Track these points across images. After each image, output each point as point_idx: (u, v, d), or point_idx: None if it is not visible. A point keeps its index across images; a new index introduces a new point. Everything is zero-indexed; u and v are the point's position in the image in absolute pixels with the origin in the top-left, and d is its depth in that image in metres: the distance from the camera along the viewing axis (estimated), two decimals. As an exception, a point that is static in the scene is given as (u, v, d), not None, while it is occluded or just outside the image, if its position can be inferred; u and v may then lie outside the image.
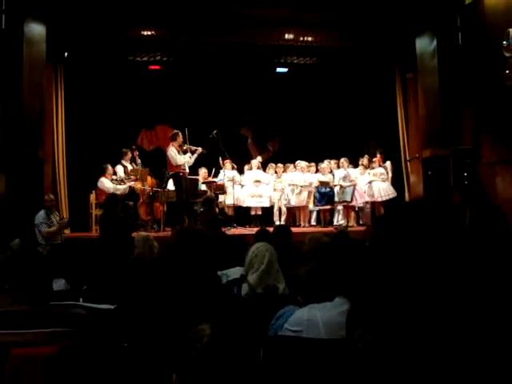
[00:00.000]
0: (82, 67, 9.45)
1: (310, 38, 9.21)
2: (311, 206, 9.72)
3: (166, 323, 1.76)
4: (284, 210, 9.80)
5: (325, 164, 9.77)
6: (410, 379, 0.82)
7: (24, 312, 1.96)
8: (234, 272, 3.15)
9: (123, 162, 8.90)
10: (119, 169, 8.79)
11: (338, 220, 9.64)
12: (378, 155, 9.76)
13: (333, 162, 9.98)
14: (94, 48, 9.13)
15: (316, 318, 1.82)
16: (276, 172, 9.95)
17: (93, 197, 8.77)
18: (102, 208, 7.83)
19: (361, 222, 9.78)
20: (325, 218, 9.72)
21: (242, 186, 9.91)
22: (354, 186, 9.40)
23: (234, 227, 8.79)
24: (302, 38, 9.21)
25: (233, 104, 10.99)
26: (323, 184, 9.47)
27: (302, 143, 11.10)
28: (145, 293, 2.09)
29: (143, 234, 4.28)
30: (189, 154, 8.31)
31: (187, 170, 8.27)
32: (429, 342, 0.80)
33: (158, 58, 9.95)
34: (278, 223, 9.37)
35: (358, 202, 9.53)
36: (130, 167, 8.89)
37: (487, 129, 7.02)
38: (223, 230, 7.28)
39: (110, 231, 5.65)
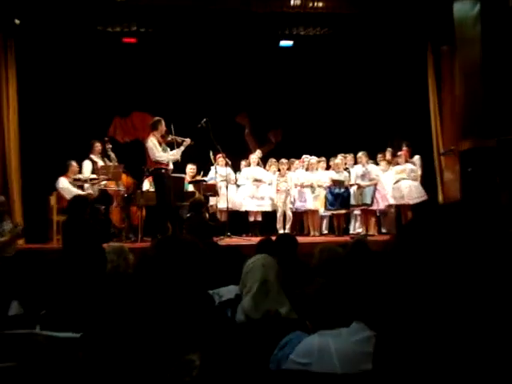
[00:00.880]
0: (38, 39, 9.43)
1: (320, 4, 9.24)
2: (322, 210, 9.73)
3: (145, 353, 1.75)
4: (289, 215, 9.81)
5: (338, 159, 9.78)
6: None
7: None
8: (228, 291, 3.15)
9: (93, 156, 8.89)
10: (87, 165, 8.77)
11: (355, 227, 9.64)
12: (405, 148, 9.77)
13: (349, 156, 9.98)
14: (53, 15, 9.06)
15: (329, 347, 1.81)
16: (279, 169, 9.97)
17: (54, 200, 8.71)
18: (66, 213, 7.81)
19: (383, 230, 9.79)
20: (339, 225, 9.72)
21: (238, 186, 9.91)
22: (375, 185, 9.41)
23: (228, 236, 8.79)
24: (310, 4, 9.23)
25: (226, 86, 10.99)
26: (337, 184, 9.48)
27: (310, 133, 11.10)
28: (118, 317, 2.08)
29: (116, 244, 4.28)
30: (175, 151, 8.29)
31: (171, 167, 8.27)
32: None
33: (134, 28, 9.94)
34: (281, 231, 9.38)
35: (380, 205, 9.54)
36: (101, 163, 8.88)
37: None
38: (215, 239, 7.28)
39: (76, 242, 5.67)
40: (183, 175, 9.26)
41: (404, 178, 9.47)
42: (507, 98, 7.77)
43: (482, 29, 7.99)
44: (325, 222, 10.00)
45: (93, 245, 4.91)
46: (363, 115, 11.27)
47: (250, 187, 9.75)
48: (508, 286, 0.79)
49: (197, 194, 8.91)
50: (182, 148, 8.43)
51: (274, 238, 4.79)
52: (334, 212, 9.64)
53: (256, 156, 10.12)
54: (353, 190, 9.49)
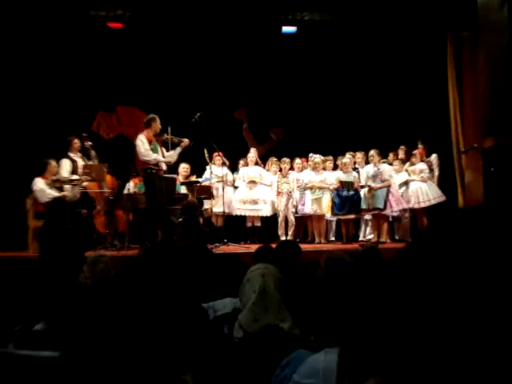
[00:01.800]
0: (13, 23, 9.42)
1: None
2: (329, 215, 9.73)
3: (132, 374, 1.75)
4: (292, 220, 9.81)
5: (347, 158, 9.78)
6: None
7: None
8: (224, 304, 3.14)
9: (71, 154, 8.88)
10: (65, 164, 8.75)
11: (366, 234, 9.64)
12: (420, 146, 9.78)
13: (358, 155, 9.99)
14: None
15: (335, 366, 1.80)
16: (281, 169, 9.97)
17: (30, 203, 8.72)
18: (43, 218, 7.81)
19: (396, 237, 9.79)
20: (347, 232, 9.71)
21: (236, 187, 9.91)
22: (388, 187, 9.39)
23: (225, 244, 8.79)
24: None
25: (223, 77, 11.01)
26: (345, 185, 9.48)
27: (315, 130, 11.12)
28: (103, 333, 2.08)
29: (97, 253, 4.28)
30: (171, 152, 8.30)
31: (163, 167, 8.27)
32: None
33: (120, 12, 9.94)
34: (283, 238, 9.38)
35: (394, 209, 9.51)
36: (81, 162, 8.88)
37: None
38: (210, 247, 7.28)
39: (54, 250, 5.65)
40: (175, 176, 9.25)
41: (416, 180, 9.48)
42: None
43: (510, 12, 7.94)
44: (332, 228, 9.99)
45: (73, 254, 4.91)
46: (374, 110, 11.28)
47: (244, 189, 9.76)
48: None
49: (190, 197, 8.90)
50: (179, 149, 8.44)
51: (274, 245, 4.78)
52: (342, 217, 9.61)
53: (253, 154, 10.10)
54: (363, 192, 9.46)
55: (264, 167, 10.09)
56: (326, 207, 9.64)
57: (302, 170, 10.09)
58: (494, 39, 8.25)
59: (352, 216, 9.55)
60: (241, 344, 2.63)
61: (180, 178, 9.42)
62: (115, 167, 9.34)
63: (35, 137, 9.81)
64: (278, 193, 9.78)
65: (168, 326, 1.88)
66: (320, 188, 9.60)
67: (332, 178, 9.68)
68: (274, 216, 9.93)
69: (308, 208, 9.64)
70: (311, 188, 9.65)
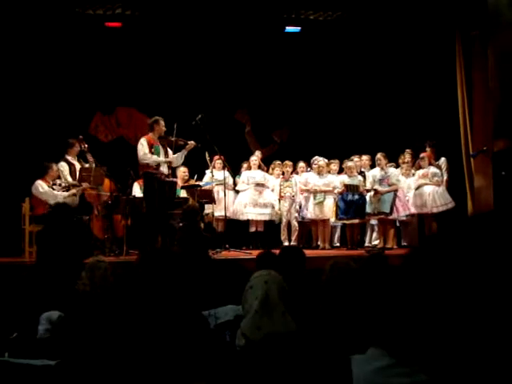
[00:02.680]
0: (9, 22, 9.43)
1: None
2: (333, 219, 9.71)
3: (131, 382, 1.75)
4: (295, 225, 9.80)
5: (352, 162, 9.78)
6: None
7: None
8: (226, 312, 3.14)
9: (69, 158, 8.89)
10: (63, 168, 8.77)
11: (372, 239, 9.62)
12: (429, 149, 9.76)
13: (364, 158, 9.99)
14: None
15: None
16: (283, 173, 9.97)
17: (26, 207, 8.73)
18: (41, 223, 7.81)
19: (403, 243, 9.77)
20: (352, 237, 9.70)
21: (238, 191, 9.90)
22: (395, 191, 9.37)
23: (226, 249, 8.79)
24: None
25: (225, 78, 11.01)
26: (350, 189, 9.46)
27: (319, 132, 11.11)
28: (100, 342, 2.08)
29: (96, 258, 4.27)
30: (176, 154, 8.31)
31: (165, 171, 8.27)
32: None
33: (119, 11, 9.95)
34: (286, 244, 9.37)
35: (401, 214, 9.50)
36: (78, 165, 8.88)
37: None
38: (211, 253, 7.27)
39: (52, 256, 5.65)
40: (175, 179, 9.24)
41: (426, 184, 9.46)
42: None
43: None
44: (337, 233, 9.97)
45: (72, 260, 4.90)
46: (381, 112, 11.26)
47: (252, 193, 9.75)
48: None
49: (190, 201, 8.90)
50: (185, 152, 8.46)
51: (277, 251, 4.76)
52: (347, 222, 9.60)
53: (256, 157, 10.10)
54: (369, 196, 9.44)
55: (267, 171, 10.08)
56: (330, 212, 9.62)
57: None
58: (504, 39, 8.24)
59: (357, 220, 9.53)
60: (243, 352, 2.63)
61: (180, 182, 9.40)
62: (114, 170, 9.32)
63: (30, 140, 9.80)
64: (281, 197, 9.77)
65: (165, 334, 1.88)
66: (323, 192, 9.60)
67: (337, 181, 9.67)
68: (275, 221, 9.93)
69: (310, 213, 9.62)
70: (315, 192, 9.64)
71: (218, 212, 9.47)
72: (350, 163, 9.70)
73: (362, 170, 9.87)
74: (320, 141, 10.76)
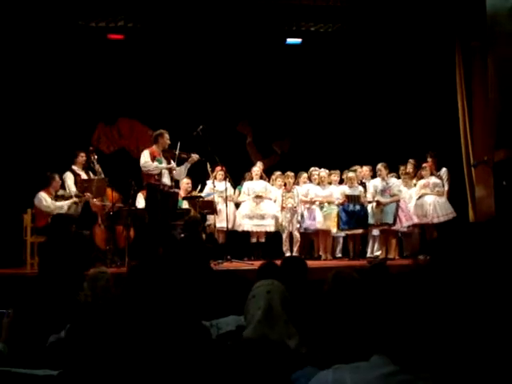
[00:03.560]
0: (10, 34, 9.47)
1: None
2: (335, 230, 9.71)
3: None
4: (297, 236, 9.79)
5: (352, 172, 9.78)
6: None
7: None
8: (228, 322, 3.14)
9: (75, 168, 8.89)
10: (68, 178, 8.77)
11: (373, 250, 9.60)
12: (430, 159, 9.77)
13: (365, 168, 9.98)
14: (28, 7, 9.08)
15: (345, 382, 1.79)
16: (285, 184, 9.96)
17: (28, 218, 8.73)
18: (43, 234, 7.82)
19: (405, 254, 9.75)
20: (354, 248, 9.70)
21: (239, 202, 9.90)
22: (398, 202, 9.35)
23: (228, 260, 8.78)
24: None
25: (226, 89, 11.04)
26: (351, 200, 9.46)
27: (320, 143, 11.13)
28: (101, 353, 2.07)
29: (98, 269, 4.27)
30: (178, 168, 8.33)
31: (168, 182, 8.27)
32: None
33: (121, 23, 9.99)
34: (288, 255, 9.35)
35: (403, 224, 9.47)
36: (84, 176, 8.89)
37: None
38: (212, 263, 7.26)
39: (54, 267, 5.64)
40: (177, 190, 9.24)
41: (427, 194, 9.46)
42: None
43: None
44: (339, 244, 9.95)
45: (74, 271, 4.90)
46: (382, 122, 11.27)
47: (250, 204, 9.74)
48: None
49: (192, 212, 8.91)
50: (188, 165, 8.47)
51: (278, 262, 4.75)
52: (349, 232, 9.61)
53: (258, 168, 10.10)
54: (370, 207, 9.43)
55: (268, 181, 10.08)
56: (332, 222, 9.62)
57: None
58: (503, 50, 8.25)
59: (359, 231, 9.54)
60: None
61: (182, 193, 9.40)
62: (116, 182, 9.33)
63: (32, 150, 9.83)
64: (283, 208, 9.76)
65: (168, 343, 1.88)
66: (328, 203, 9.61)
67: (337, 192, 9.67)
68: (278, 232, 9.91)
69: (320, 223, 9.59)
70: (320, 203, 9.64)
71: (220, 223, 9.48)
72: (350, 174, 9.70)
73: (363, 180, 9.87)
74: (321, 151, 10.76)
